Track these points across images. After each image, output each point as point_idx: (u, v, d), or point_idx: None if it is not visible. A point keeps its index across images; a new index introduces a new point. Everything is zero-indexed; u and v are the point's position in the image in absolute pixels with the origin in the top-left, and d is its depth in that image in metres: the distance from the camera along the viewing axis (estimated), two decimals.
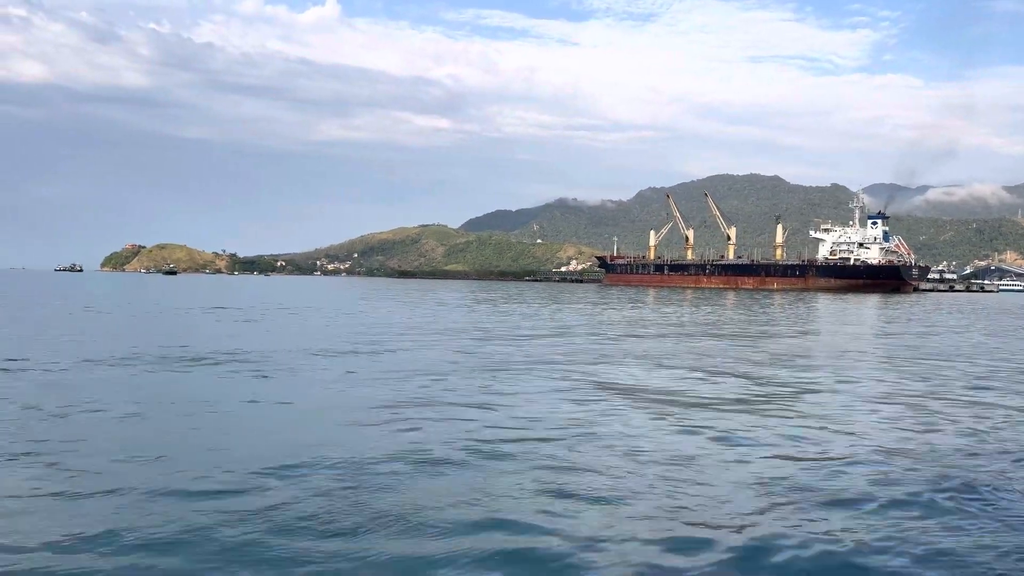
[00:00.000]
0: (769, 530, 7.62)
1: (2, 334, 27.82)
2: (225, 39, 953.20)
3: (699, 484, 9.18)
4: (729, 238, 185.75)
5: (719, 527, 7.67)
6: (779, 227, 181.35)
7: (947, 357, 25.25)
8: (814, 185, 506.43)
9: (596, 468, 9.80)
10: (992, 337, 36.07)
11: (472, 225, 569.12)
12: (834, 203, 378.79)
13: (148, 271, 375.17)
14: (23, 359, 19.74)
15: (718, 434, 11.99)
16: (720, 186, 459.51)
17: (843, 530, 7.66)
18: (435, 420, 12.63)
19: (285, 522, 7.53)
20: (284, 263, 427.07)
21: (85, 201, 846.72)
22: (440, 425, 12.21)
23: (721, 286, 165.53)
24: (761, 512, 8.16)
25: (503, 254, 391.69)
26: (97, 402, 13.67)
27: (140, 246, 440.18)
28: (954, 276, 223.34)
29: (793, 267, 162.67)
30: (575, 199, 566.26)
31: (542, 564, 6.71)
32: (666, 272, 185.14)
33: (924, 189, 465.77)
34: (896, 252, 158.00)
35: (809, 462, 10.35)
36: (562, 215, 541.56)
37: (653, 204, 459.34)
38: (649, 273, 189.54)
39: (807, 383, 18.07)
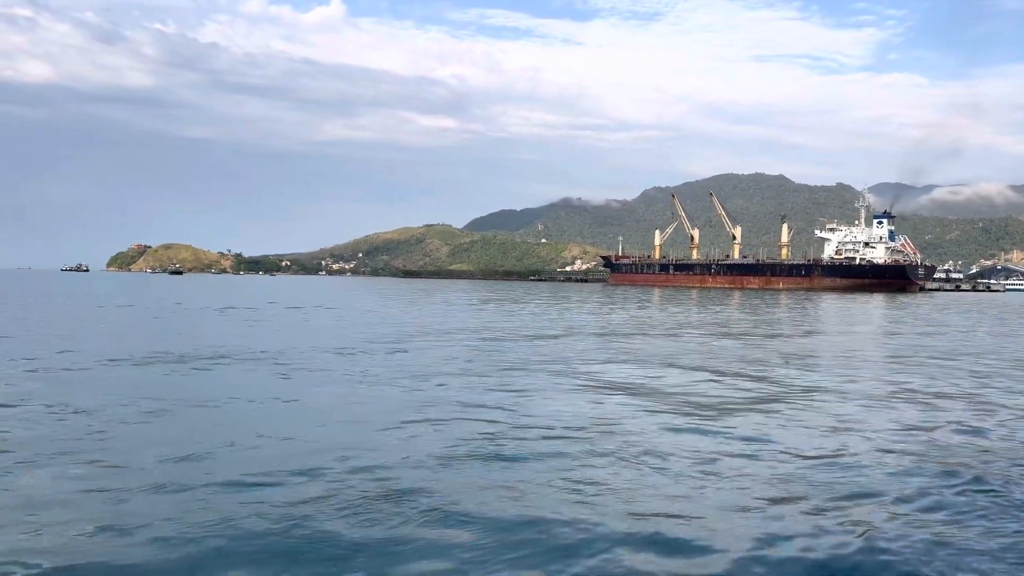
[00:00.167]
0: (793, 527, 7.86)
1: (35, 334, 28.19)
2: (230, 39, 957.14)
3: (720, 482, 9.42)
4: (734, 238, 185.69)
5: (741, 525, 7.91)
6: (784, 227, 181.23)
7: (955, 356, 25.43)
8: (819, 184, 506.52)
9: (618, 467, 10.05)
10: (1000, 337, 36.21)
11: (476, 225, 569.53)
12: (839, 202, 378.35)
13: (154, 271, 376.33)
14: (51, 357, 20.08)
15: (736, 433, 12.23)
16: (725, 185, 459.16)
17: (863, 528, 7.88)
18: (458, 419, 12.91)
19: (318, 517, 7.80)
20: (289, 263, 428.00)
21: (90, 201, 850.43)
22: (464, 424, 12.48)
23: (726, 286, 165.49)
24: (785, 510, 8.40)
25: (507, 254, 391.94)
26: (127, 400, 13.97)
27: (146, 246, 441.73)
28: (960, 275, 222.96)
29: (799, 267, 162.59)
30: (579, 199, 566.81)
31: (569, 561, 6.95)
32: (671, 272, 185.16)
33: (930, 188, 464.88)
34: (902, 251, 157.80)
35: (825, 460, 10.59)
36: (567, 215, 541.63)
37: (658, 204, 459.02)
38: (654, 273, 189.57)
39: (818, 383, 18.30)
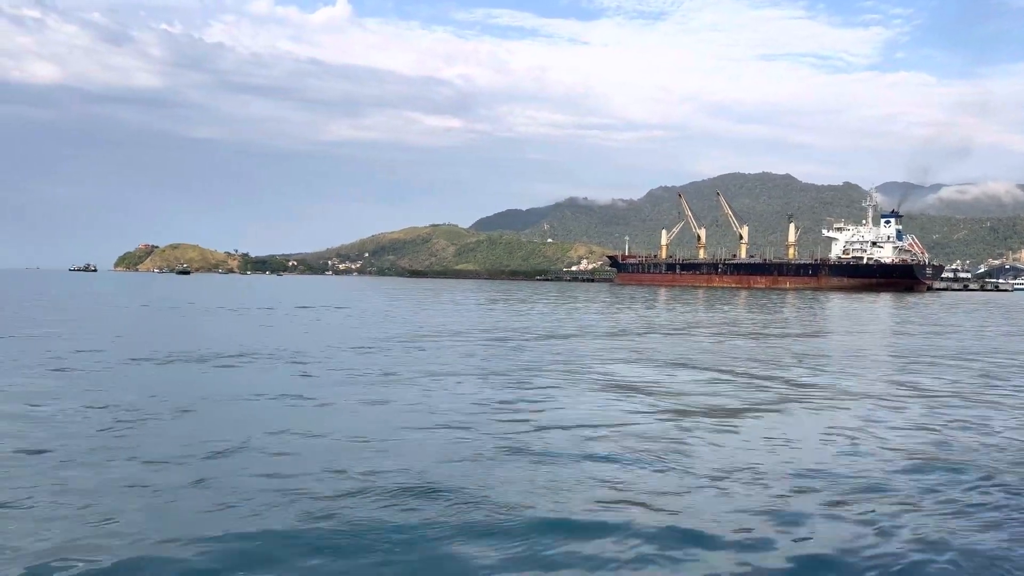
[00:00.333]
0: (815, 526, 8.12)
1: (58, 334, 28.57)
2: (236, 39, 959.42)
3: (744, 481, 9.67)
4: (741, 237, 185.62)
5: (766, 525, 8.15)
6: (791, 226, 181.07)
7: (966, 356, 25.59)
8: (826, 184, 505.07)
9: (643, 466, 10.32)
10: (1009, 336, 36.32)
11: (482, 225, 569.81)
12: (846, 202, 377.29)
13: (161, 271, 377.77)
14: (77, 357, 20.45)
15: (755, 433, 12.47)
16: (731, 185, 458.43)
17: (887, 528, 8.11)
18: (483, 418, 13.19)
19: (355, 515, 8.06)
20: (296, 263, 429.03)
21: (97, 201, 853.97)
22: (489, 424, 12.76)
23: (733, 285, 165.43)
24: (808, 508, 8.64)
25: (514, 253, 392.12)
26: (160, 398, 14.31)
27: (153, 246, 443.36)
28: (968, 275, 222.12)
29: (806, 266, 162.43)
30: (586, 198, 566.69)
31: (598, 557, 7.22)
32: (678, 271, 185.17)
33: (937, 187, 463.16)
34: (910, 251, 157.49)
35: (843, 460, 10.83)
36: (573, 214, 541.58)
37: (664, 203, 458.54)
38: (661, 272, 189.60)
39: (831, 384, 18.52)
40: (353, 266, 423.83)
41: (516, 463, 10.15)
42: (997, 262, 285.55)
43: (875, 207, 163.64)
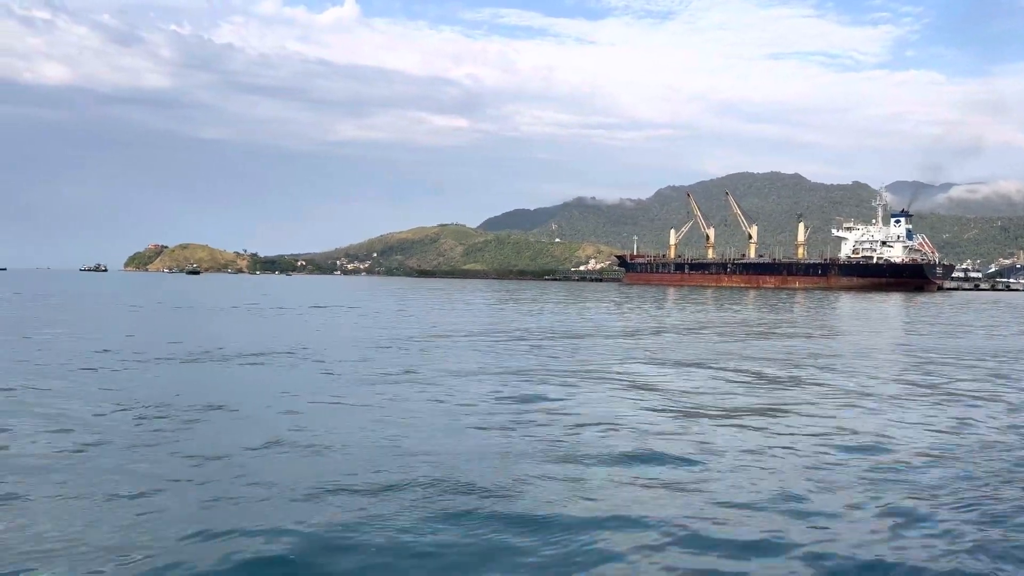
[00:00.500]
0: (849, 527, 8.35)
1: (80, 333, 29.00)
2: (244, 40, 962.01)
3: (771, 480, 9.91)
4: (750, 237, 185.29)
5: (794, 525, 8.36)
6: (801, 225, 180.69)
7: (984, 356, 25.71)
8: (835, 183, 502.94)
9: (669, 466, 10.57)
10: (1021, 336, 36.36)
11: (490, 224, 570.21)
12: (856, 201, 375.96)
13: (171, 271, 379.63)
14: (104, 356, 20.83)
15: (782, 434, 12.70)
16: (740, 184, 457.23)
17: (907, 529, 8.35)
18: (511, 418, 13.47)
19: (392, 512, 8.33)
20: (304, 263, 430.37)
21: (107, 201, 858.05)
22: (518, 424, 13.01)
23: (742, 285, 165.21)
24: (837, 508, 8.87)
25: (521, 253, 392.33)
26: (188, 397, 14.64)
27: (162, 246, 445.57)
28: (979, 275, 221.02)
29: (815, 266, 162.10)
30: (593, 198, 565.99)
31: (627, 558, 7.47)
32: (687, 271, 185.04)
33: (947, 187, 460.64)
34: (920, 250, 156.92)
35: (869, 459, 11.05)
36: (580, 214, 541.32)
37: (672, 203, 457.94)
38: (670, 272, 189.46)
39: (850, 385, 18.70)
40: (361, 266, 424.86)
41: (545, 461, 10.41)
42: (1008, 262, 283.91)
43: (885, 206, 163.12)
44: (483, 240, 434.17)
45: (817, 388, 17.46)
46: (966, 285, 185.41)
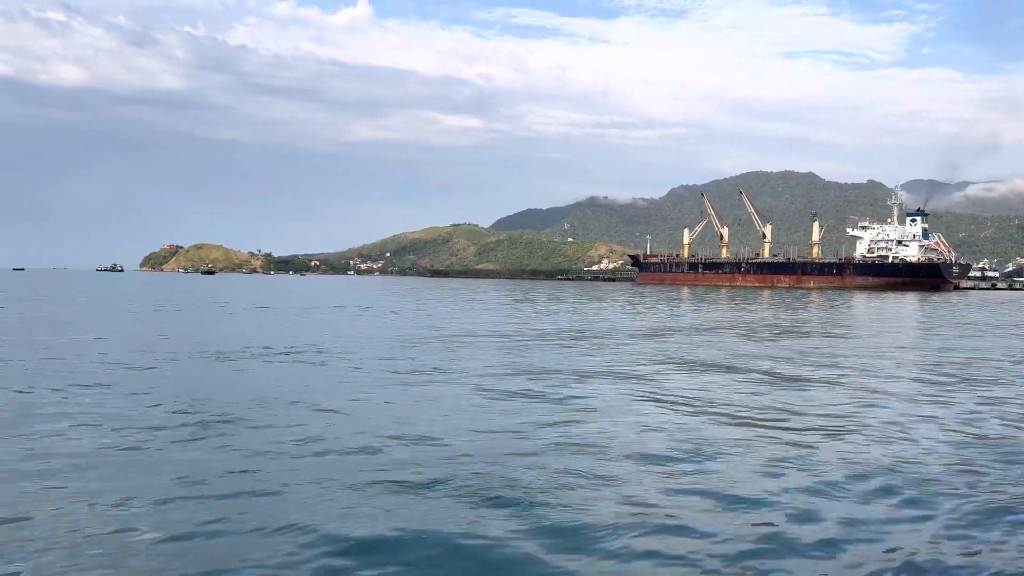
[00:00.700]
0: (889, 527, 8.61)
1: (110, 334, 29.55)
2: (258, 41, 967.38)
3: (807, 483, 10.18)
4: (764, 236, 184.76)
5: (841, 527, 8.60)
6: (815, 225, 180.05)
7: (1000, 356, 25.79)
8: (850, 182, 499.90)
9: (701, 466, 10.86)
10: None
11: (503, 224, 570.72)
12: (870, 200, 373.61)
13: (186, 271, 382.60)
14: (139, 356, 21.31)
15: (814, 435, 12.95)
16: (753, 183, 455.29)
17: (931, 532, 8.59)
18: (542, 419, 13.79)
19: (434, 511, 8.66)
20: (318, 263, 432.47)
21: (122, 202, 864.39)
22: (551, 426, 13.32)
23: (756, 285, 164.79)
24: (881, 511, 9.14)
25: (534, 253, 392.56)
26: (227, 394, 15.06)
27: (177, 246, 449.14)
28: (996, 274, 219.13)
29: (830, 265, 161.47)
30: (606, 197, 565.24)
31: (676, 549, 7.77)
32: (700, 271, 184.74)
33: (963, 185, 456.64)
34: (936, 250, 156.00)
35: (898, 461, 11.28)
36: (593, 214, 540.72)
37: (685, 202, 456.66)
38: (683, 272, 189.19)
39: (878, 386, 18.89)
40: (375, 266, 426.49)
41: (578, 456, 10.73)
42: None
43: (900, 205, 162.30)
44: (495, 240, 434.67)
45: (842, 388, 17.68)
46: (983, 284, 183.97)
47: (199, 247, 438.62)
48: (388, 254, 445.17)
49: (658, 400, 15.39)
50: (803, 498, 8.92)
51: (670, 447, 11.24)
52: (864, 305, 71.57)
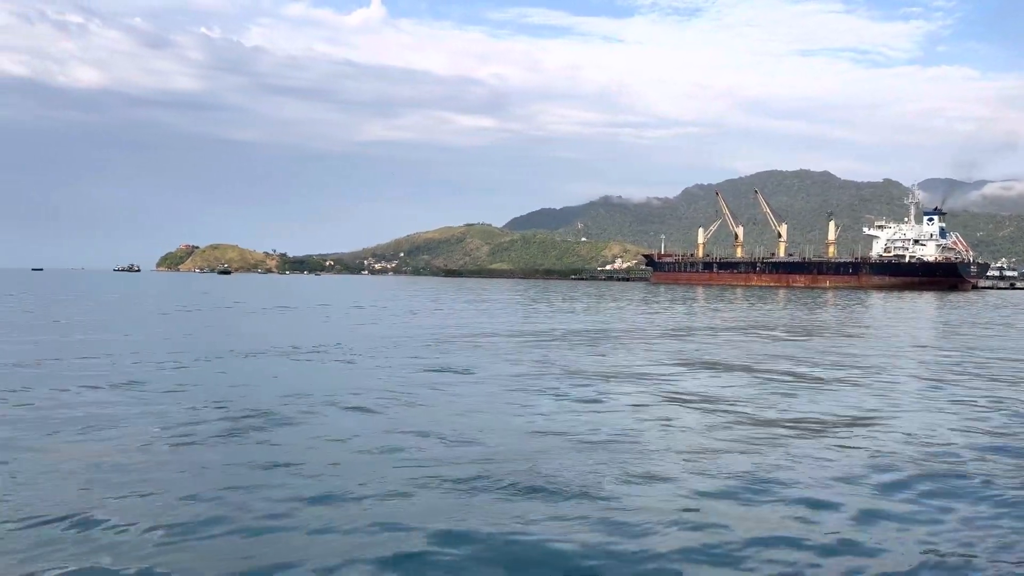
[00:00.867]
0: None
1: (138, 335, 30.09)
2: (273, 42, 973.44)
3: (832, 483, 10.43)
4: (780, 235, 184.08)
5: (879, 530, 8.85)
6: (831, 224, 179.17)
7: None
8: (865, 181, 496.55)
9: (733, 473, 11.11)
10: None
11: (516, 224, 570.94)
12: (887, 199, 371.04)
13: (202, 271, 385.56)
14: (171, 356, 21.79)
15: (848, 437, 13.16)
16: (768, 182, 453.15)
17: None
18: (577, 418, 14.09)
19: (477, 507, 8.97)
20: (332, 263, 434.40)
21: (139, 202, 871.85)
22: (588, 427, 13.62)
23: (772, 284, 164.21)
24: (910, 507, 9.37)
25: (547, 253, 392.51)
26: (264, 392, 15.46)
27: (193, 246, 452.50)
28: (1014, 273, 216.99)
29: (846, 265, 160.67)
30: (620, 197, 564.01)
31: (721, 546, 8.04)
32: (715, 270, 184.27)
33: (981, 184, 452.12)
34: (953, 249, 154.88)
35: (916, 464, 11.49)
36: (607, 213, 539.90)
37: (700, 201, 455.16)
38: (698, 271, 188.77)
39: (901, 387, 19.05)
40: (388, 266, 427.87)
41: (616, 462, 11.02)
42: None
43: (917, 204, 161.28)
44: (509, 240, 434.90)
45: (867, 388, 17.85)
46: (1001, 284, 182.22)
47: (215, 247, 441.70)
48: (402, 254, 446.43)
49: (684, 400, 15.63)
50: (849, 497, 9.17)
51: (701, 445, 11.50)
52: (882, 305, 71.33)
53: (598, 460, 10.42)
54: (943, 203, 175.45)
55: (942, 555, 7.38)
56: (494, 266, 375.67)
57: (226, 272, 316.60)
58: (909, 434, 12.44)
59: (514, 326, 35.96)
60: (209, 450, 10.70)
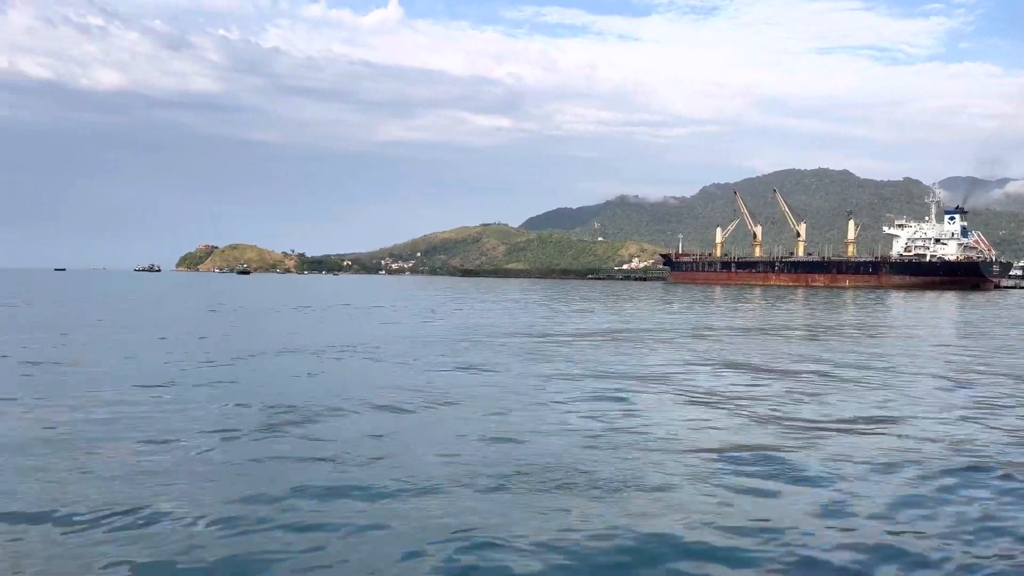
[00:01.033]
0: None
1: (172, 334, 30.72)
2: (291, 43, 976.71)
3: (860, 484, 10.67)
4: (799, 234, 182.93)
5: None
6: (851, 223, 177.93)
7: None
8: (885, 179, 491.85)
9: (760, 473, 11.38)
10: None
11: (532, 224, 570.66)
12: (907, 197, 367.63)
13: (221, 271, 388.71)
14: (210, 353, 22.34)
15: (883, 439, 13.39)
16: (787, 181, 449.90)
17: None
18: (611, 419, 14.39)
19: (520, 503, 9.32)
20: (350, 263, 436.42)
21: (159, 203, 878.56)
22: (620, 423, 13.88)
23: (790, 284, 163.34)
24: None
25: (564, 252, 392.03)
26: (302, 389, 15.91)
27: (213, 246, 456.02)
28: None
29: (866, 264, 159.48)
30: (636, 196, 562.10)
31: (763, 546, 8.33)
32: (733, 270, 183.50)
33: (1004, 182, 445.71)
34: (975, 248, 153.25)
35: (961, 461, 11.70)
36: (623, 212, 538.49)
37: (717, 200, 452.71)
38: (716, 271, 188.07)
39: (930, 392, 19.18)
40: (405, 265, 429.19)
41: (656, 463, 11.34)
42: None
43: (938, 203, 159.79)
44: (525, 239, 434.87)
45: (895, 389, 18.02)
46: None
47: (234, 247, 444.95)
48: (419, 254, 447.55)
49: (712, 399, 15.89)
50: (880, 493, 9.42)
51: (733, 443, 11.78)
52: (903, 304, 70.94)
53: (633, 458, 10.74)
54: (965, 201, 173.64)
55: (976, 552, 7.64)
56: (510, 266, 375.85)
57: (245, 272, 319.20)
58: (937, 433, 12.64)
59: (536, 326, 36.29)
60: (256, 445, 11.10)
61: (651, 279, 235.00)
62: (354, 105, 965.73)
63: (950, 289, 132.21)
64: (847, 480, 9.76)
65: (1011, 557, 7.40)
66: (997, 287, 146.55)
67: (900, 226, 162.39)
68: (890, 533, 7.95)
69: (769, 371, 20.46)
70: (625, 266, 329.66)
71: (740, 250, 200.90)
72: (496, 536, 7.69)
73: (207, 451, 10.78)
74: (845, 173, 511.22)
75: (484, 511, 8.39)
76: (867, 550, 7.53)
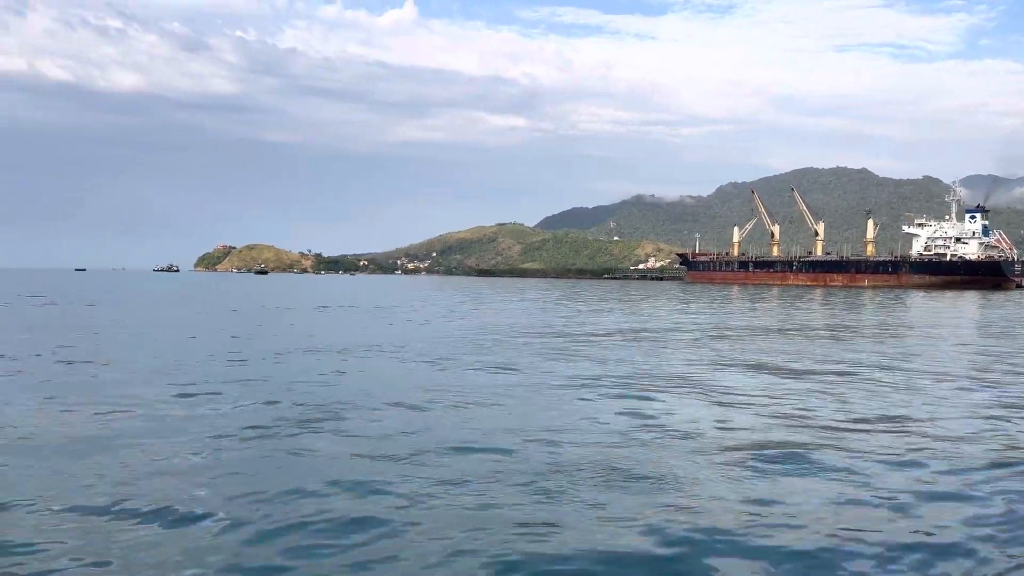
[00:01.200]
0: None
1: (201, 334, 31.21)
2: (308, 44, 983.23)
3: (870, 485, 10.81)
4: (817, 234, 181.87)
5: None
6: (870, 222, 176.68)
7: None
8: (904, 178, 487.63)
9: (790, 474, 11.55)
10: None
11: (548, 223, 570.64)
12: (926, 196, 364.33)
13: (239, 271, 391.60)
14: (250, 351, 22.75)
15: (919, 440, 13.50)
16: (804, 180, 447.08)
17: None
18: (638, 423, 14.60)
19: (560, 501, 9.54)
20: (366, 262, 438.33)
21: (177, 204, 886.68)
22: (651, 423, 14.11)
23: (809, 283, 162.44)
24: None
25: (580, 252, 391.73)
26: (333, 389, 16.24)
27: (230, 247, 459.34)
28: None
29: (885, 263, 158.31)
30: (652, 196, 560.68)
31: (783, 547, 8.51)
32: (751, 269, 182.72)
33: None
34: (996, 247, 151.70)
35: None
36: (639, 212, 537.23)
37: (734, 200, 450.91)
38: (733, 270, 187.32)
39: (955, 393, 19.21)
40: (421, 265, 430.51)
41: (689, 462, 11.53)
42: None
43: (959, 201, 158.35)
44: (541, 239, 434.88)
45: (924, 391, 18.08)
46: None
47: (251, 247, 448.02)
48: (435, 254, 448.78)
49: (738, 399, 16.04)
50: (910, 490, 9.57)
51: (760, 441, 11.95)
52: (923, 304, 70.47)
53: (665, 455, 10.93)
54: (986, 200, 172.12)
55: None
56: (526, 266, 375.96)
57: (263, 272, 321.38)
58: (961, 432, 12.73)
59: (556, 325, 36.48)
60: (291, 441, 11.38)
61: (667, 279, 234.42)
62: (370, 105, 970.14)
63: (971, 289, 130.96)
64: (872, 476, 9.90)
65: None
66: (1019, 287, 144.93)
67: (920, 225, 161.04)
68: (913, 532, 8.06)
69: (791, 371, 20.56)
70: (641, 266, 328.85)
71: (758, 249, 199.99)
72: (537, 533, 7.83)
73: (244, 448, 11.06)
74: (864, 172, 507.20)
75: (524, 507, 8.59)
76: (895, 548, 7.65)
